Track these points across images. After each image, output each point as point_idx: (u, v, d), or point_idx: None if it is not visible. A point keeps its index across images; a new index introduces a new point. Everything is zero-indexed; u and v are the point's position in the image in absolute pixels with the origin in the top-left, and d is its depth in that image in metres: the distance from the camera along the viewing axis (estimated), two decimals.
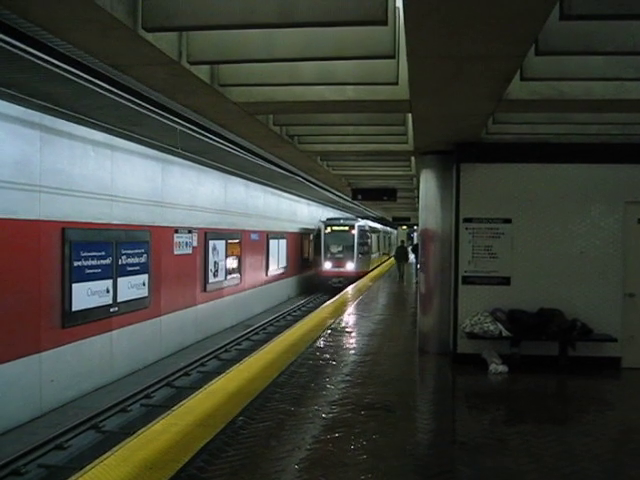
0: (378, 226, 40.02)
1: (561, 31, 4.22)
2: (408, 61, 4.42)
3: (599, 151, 7.70)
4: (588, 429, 5.47)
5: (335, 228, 29.26)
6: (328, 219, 30.90)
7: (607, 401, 6.68)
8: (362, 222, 30.53)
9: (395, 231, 56.09)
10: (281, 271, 25.32)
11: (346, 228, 29.12)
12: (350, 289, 19.41)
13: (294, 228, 27.83)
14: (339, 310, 13.51)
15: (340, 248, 28.64)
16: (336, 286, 26.27)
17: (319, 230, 29.42)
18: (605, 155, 7.68)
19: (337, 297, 16.90)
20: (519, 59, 4.41)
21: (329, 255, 28.53)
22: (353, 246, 28.46)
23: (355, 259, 28.39)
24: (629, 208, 7.69)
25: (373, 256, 34.27)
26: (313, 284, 29.47)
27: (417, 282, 13.77)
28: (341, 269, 28.18)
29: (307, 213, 30.49)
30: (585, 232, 7.71)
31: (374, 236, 35.10)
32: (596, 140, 7.67)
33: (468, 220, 7.87)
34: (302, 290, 28.95)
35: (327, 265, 28.36)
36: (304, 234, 29.96)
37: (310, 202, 30.29)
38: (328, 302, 15.80)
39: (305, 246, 30.41)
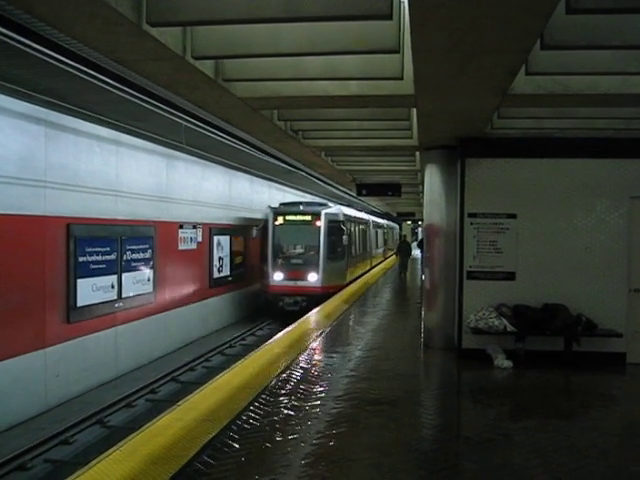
0: (367, 217, 28.87)
1: (567, 25, 4.22)
2: (413, 56, 4.40)
3: (604, 146, 7.66)
4: (593, 424, 5.47)
5: (290, 218, 19.05)
6: (281, 204, 20.53)
7: (612, 396, 6.67)
8: (334, 209, 20.18)
9: (397, 226, 53.83)
10: None
11: (307, 218, 18.95)
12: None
13: None
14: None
15: (298, 249, 19.26)
16: (290, 309, 17.63)
17: (266, 222, 19.24)
18: (610, 150, 7.65)
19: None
20: (525, 53, 4.39)
21: (280, 261, 18.55)
22: (318, 246, 18.50)
23: (321, 267, 18.23)
24: (634, 203, 7.65)
25: (360, 259, 24.53)
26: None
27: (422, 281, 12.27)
28: (298, 282, 18.13)
29: None
30: (590, 227, 7.68)
31: (359, 230, 24.84)
32: (601, 135, 7.64)
33: (473, 215, 7.85)
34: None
35: (277, 276, 18.29)
36: None
37: (315, 198, 30.21)
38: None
39: None
